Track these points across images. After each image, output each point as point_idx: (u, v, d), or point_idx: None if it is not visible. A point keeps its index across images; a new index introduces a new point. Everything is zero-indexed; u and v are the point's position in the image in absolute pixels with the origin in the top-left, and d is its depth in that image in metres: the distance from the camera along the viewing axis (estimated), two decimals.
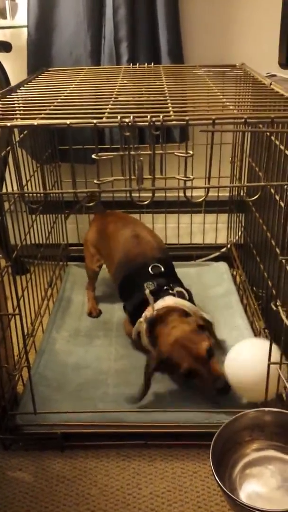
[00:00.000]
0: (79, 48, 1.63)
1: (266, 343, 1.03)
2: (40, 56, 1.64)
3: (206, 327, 1.21)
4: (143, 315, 1.25)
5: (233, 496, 0.85)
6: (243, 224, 1.69)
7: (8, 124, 0.88)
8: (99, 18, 1.61)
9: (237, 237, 1.78)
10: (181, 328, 1.17)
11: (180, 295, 1.28)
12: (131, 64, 1.58)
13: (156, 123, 0.86)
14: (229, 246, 1.82)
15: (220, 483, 0.86)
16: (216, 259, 1.83)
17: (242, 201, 1.66)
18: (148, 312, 1.24)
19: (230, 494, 0.85)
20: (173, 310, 1.22)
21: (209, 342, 1.15)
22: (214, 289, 1.65)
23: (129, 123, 0.85)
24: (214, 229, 1.81)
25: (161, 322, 1.20)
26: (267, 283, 1.31)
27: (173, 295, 1.26)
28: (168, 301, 1.24)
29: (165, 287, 1.28)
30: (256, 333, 1.39)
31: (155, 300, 1.24)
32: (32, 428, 1.12)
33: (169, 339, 1.16)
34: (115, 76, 1.36)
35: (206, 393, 1.14)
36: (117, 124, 0.86)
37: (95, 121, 0.87)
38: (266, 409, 1.00)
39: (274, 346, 1.02)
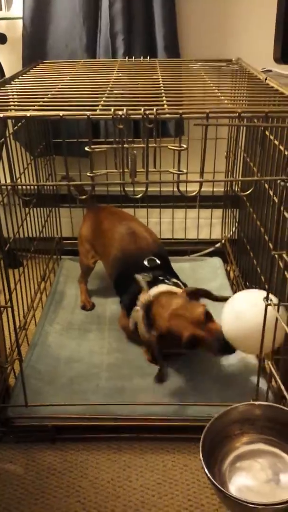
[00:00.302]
0: (75, 41, 1.62)
1: (261, 291, 1.00)
2: (36, 49, 1.63)
3: (201, 292, 1.23)
4: (139, 301, 1.26)
5: (223, 489, 0.85)
6: (237, 220, 1.69)
7: (1, 115, 0.87)
8: (95, 11, 1.61)
9: (231, 233, 1.78)
10: (174, 302, 1.18)
11: (176, 285, 1.29)
12: (126, 58, 1.57)
13: (149, 115, 0.86)
14: (223, 241, 1.82)
15: (210, 476, 0.86)
16: (210, 254, 1.83)
17: (236, 197, 1.66)
18: (143, 298, 1.25)
19: (220, 487, 0.85)
20: (167, 293, 1.24)
21: (203, 306, 1.15)
22: (208, 284, 1.65)
23: (123, 116, 0.85)
24: (209, 224, 1.81)
25: (156, 305, 1.22)
26: (260, 278, 1.31)
27: (168, 285, 1.27)
28: (162, 287, 1.25)
29: (160, 278, 1.29)
30: None
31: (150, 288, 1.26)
32: (23, 420, 1.12)
33: (164, 315, 1.17)
34: (110, 70, 1.35)
35: (216, 355, 1.15)
36: (110, 116, 0.86)
37: (88, 113, 0.87)
38: (257, 402, 1.01)
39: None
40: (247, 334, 1.03)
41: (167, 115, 0.90)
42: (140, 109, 0.86)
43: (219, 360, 1.28)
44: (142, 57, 1.55)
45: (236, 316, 1.06)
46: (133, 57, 1.57)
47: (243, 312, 1.05)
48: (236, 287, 1.60)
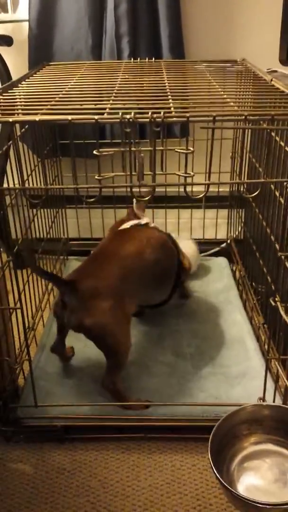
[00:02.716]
0: (80, 43, 1.63)
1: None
2: (41, 51, 1.64)
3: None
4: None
5: (231, 489, 0.86)
6: (243, 220, 1.70)
7: (10, 119, 0.88)
8: (101, 13, 1.61)
9: (237, 233, 1.78)
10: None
11: None
12: (132, 59, 1.58)
13: (157, 119, 0.86)
14: (229, 241, 1.83)
15: (218, 476, 0.87)
16: (216, 254, 1.83)
17: (242, 197, 1.66)
18: None
19: (228, 486, 0.86)
20: None
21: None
22: (213, 284, 1.66)
23: (130, 120, 0.86)
24: (214, 224, 1.82)
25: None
26: (266, 278, 1.32)
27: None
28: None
29: None
30: (255, 328, 1.40)
31: None
32: (32, 420, 1.13)
33: None
34: (116, 71, 1.36)
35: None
36: (118, 120, 0.86)
37: (96, 117, 0.87)
38: (265, 403, 1.01)
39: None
40: None
41: (174, 119, 0.90)
42: (148, 113, 0.87)
43: (226, 360, 1.29)
44: (147, 58, 1.56)
45: None
46: (139, 58, 1.57)
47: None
48: (242, 287, 1.60)
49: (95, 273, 1.17)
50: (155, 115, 0.86)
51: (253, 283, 1.52)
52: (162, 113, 0.86)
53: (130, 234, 1.30)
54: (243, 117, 0.89)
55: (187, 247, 1.58)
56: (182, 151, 0.88)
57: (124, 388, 1.18)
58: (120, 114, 0.86)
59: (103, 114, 0.91)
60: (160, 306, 1.41)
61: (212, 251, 1.84)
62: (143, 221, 1.38)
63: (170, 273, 1.35)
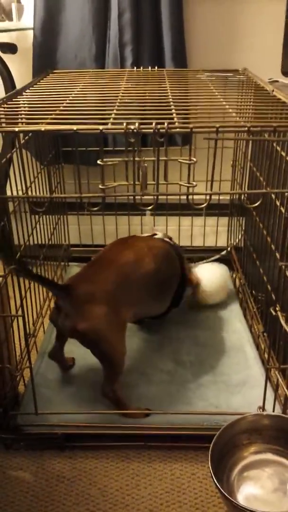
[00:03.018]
0: (84, 51, 1.64)
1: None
2: (45, 58, 1.65)
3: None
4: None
5: (231, 498, 0.86)
6: (243, 228, 1.70)
7: (16, 129, 0.89)
8: (104, 21, 1.63)
9: (237, 240, 1.79)
10: None
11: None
12: (135, 68, 1.59)
13: (161, 130, 0.87)
14: (229, 249, 1.84)
15: (218, 485, 0.87)
16: (216, 262, 1.84)
17: (242, 205, 1.67)
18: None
19: (228, 496, 0.86)
20: None
21: None
22: None
23: (134, 130, 0.87)
24: (215, 232, 1.83)
25: None
26: (266, 287, 1.33)
27: None
28: None
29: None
30: (255, 337, 1.41)
31: None
32: (33, 428, 1.13)
33: None
34: (119, 80, 1.37)
35: None
36: (123, 131, 0.87)
37: (101, 127, 0.88)
38: (265, 413, 1.02)
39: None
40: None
41: (178, 130, 0.91)
42: (152, 123, 0.88)
43: (226, 368, 1.30)
44: (150, 67, 1.57)
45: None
46: (141, 67, 1.59)
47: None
48: (242, 295, 1.61)
49: (91, 278, 1.17)
50: (159, 126, 0.87)
51: (253, 291, 1.53)
52: (166, 124, 0.87)
53: (130, 242, 1.31)
54: (246, 128, 0.89)
55: (214, 273, 1.57)
56: (185, 161, 0.89)
57: (123, 396, 1.18)
58: (125, 125, 0.87)
59: (107, 124, 0.92)
60: (160, 317, 1.41)
61: (212, 258, 1.85)
62: (158, 235, 1.40)
63: (170, 283, 1.35)
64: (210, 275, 1.55)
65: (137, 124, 0.87)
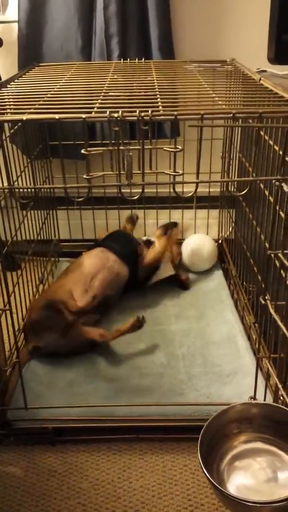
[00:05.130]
0: (70, 43, 1.63)
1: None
2: (31, 51, 1.63)
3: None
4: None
5: (221, 488, 0.86)
6: (233, 220, 1.70)
7: None
8: (90, 13, 1.61)
9: (228, 233, 1.78)
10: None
11: None
12: (122, 60, 1.58)
13: (145, 117, 0.86)
14: (220, 241, 1.83)
15: (208, 476, 0.87)
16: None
17: (232, 197, 1.67)
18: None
19: (218, 486, 0.86)
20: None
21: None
22: (205, 283, 1.66)
23: (118, 118, 0.86)
24: (205, 225, 1.82)
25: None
26: (256, 277, 1.32)
27: None
28: None
29: None
30: (246, 327, 1.40)
31: None
32: (23, 423, 1.13)
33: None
34: (105, 72, 1.36)
35: None
36: (106, 118, 0.86)
37: (84, 115, 0.87)
38: (254, 401, 1.01)
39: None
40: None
41: (162, 117, 0.90)
42: (135, 111, 0.87)
43: (218, 359, 1.29)
44: (137, 59, 1.56)
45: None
46: (128, 59, 1.57)
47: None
48: (233, 287, 1.60)
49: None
50: (143, 113, 0.86)
51: (244, 283, 1.53)
52: (150, 111, 0.86)
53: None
54: (231, 115, 0.89)
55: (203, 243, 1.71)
56: (170, 149, 0.88)
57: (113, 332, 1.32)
58: (108, 112, 0.86)
59: (91, 113, 0.91)
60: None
61: None
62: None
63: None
64: (197, 244, 1.71)
65: (120, 112, 0.85)
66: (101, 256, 1.48)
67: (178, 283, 1.63)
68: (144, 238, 1.68)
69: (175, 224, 1.69)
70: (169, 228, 1.65)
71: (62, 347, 1.30)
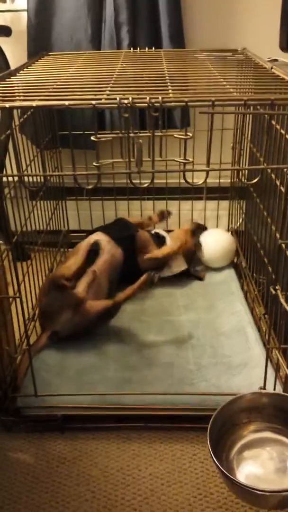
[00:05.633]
0: (80, 32, 1.62)
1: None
2: (40, 41, 1.63)
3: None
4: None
5: (231, 477, 0.86)
6: (244, 211, 1.69)
7: (7, 105, 0.88)
8: (100, 2, 1.60)
9: (238, 224, 1.77)
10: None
11: None
12: (131, 49, 1.57)
13: (155, 104, 0.85)
14: (230, 232, 1.82)
15: (217, 463, 0.87)
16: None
17: (243, 188, 1.65)
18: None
19: (227, 474, 0.86)
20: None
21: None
22: (215, 275, 1.65)
23: (128, 104, 0.85)
24: (215, 216, 1.81)
25: None
26: (267, 268, 1.31)
27: None
28: None
29: None
30: (256, 319, 1.40)
31: None
32: (33, 410, 1.13)
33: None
34: (115, 61, 1.35)
35: None
36: (116, 105, 0.86)
37: (93, 102, 0.87)
38: (263, 391, 1.01)
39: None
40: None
41: (173, 103, 0.89)
42: (146, 98, 0.86)
43: (227, 350, 1.29)
44: (147, 48, 1.55)
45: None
46: (138, 48, 1.56)
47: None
48: (243, 278, 1.59)
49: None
50: (153, 99, 0.85)
51: (254, 274, 1.52)
52: (160, 97, 0.85)
53: None
54: (243, 102, 0.88)
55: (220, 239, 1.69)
56: (180, 136, 0.87)
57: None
58: (118, 99, 0.85)
59: (100, 100, 0.90)
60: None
61: None
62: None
63: None
64: (215, 240, 1.68)
65: (130, 98, 0.85)
66: (95, 238, 1.50)
67: (192, 275, 1.63)
68: (153, 231, 1.66)
69: (204, 228, 1.73)
70: (195, 233, 1.69)
71: (79, 326, 1.30)
